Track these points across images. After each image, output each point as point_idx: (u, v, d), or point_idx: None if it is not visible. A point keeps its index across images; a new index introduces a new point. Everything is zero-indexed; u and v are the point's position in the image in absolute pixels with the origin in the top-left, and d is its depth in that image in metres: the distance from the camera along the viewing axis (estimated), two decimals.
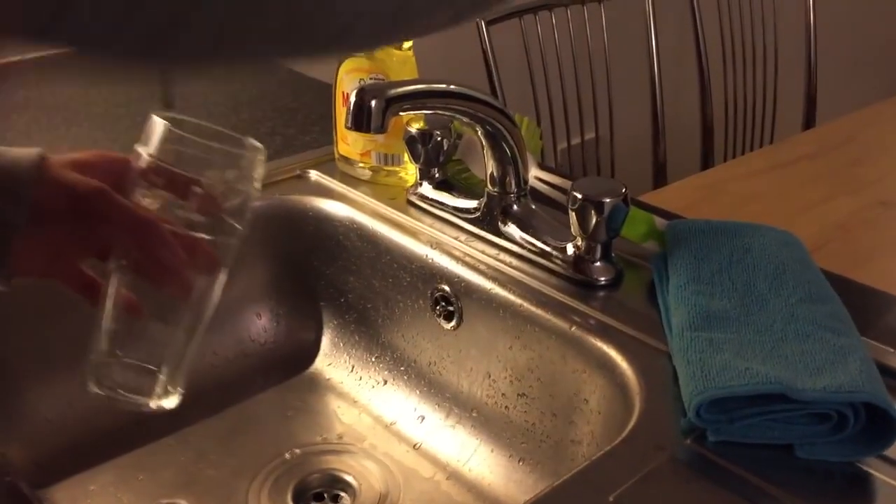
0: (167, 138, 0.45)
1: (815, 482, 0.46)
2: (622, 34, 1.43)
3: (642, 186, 1.31)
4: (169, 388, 0.48)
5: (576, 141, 1.47)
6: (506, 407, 0.65)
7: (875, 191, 1.12)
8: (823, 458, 0.47)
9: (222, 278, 0.48)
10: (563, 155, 1.38)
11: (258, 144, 0.47)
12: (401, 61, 0.74)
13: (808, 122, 1.59)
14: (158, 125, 0.45)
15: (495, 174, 0.67)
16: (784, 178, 1.14)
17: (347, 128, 0.53)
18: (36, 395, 0.67)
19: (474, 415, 0.68)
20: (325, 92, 0.87)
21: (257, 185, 0.47)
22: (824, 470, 0.47)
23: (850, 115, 1.30)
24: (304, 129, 0.95)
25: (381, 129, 0.52)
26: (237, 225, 0.47)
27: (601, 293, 0.63)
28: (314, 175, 0.81)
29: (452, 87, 0.58)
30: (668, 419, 0.51)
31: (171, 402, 0.48)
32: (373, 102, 0.52)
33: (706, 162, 1.50)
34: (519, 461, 0.64)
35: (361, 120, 0.52)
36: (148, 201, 0.45)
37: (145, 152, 0.45)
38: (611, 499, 0.44)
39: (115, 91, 1.07)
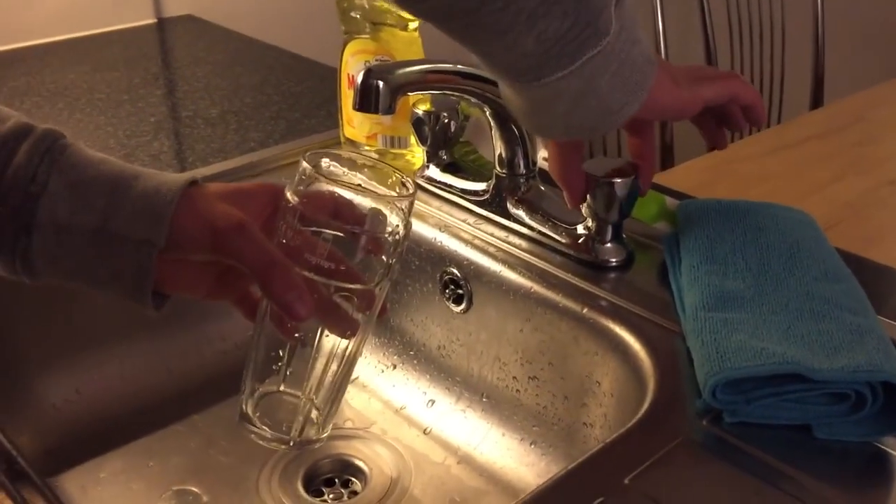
0: (314, 181, 0.44)
1: (832, 462, 0.46)
2: None
3: None
4: (316, 425, 0.47)
5: None
6: (517, 390, 0.65)
7: (885, 170, 1.11)
8: (842, 438, 0.47)
9: (369, 323, 0.47)
10: None
11: (410, 186, 0.45)
12: (407, 42, 0.73)
13: (816, 102, 1.57)
14: (306, 168, 0.44)
15: (504, 156, 0.66)
16: (793, 158, 1.13)
17: (355, 109, 0.52)
18: (44, 383, 0.67)
19: (485, 399, 0.67)
20: (330, 75, 0.87)
21: (406, 228, 0.45)
22: (842, 450, 0.47)
23: (859, 94, 1.29)
24: (308, 113, 0.94)
25: (390, 111, 0.52)
26: (385, 269, 0.45)
27: (612, 275, 0.62)
28: None
29: (460, 66, 0.57)
30: (683, 401, 0.50)
31: (317, 442, 0.47)
32: (380, 83, 0.51)
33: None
34: (531, 444, 0.64)
35: (369, 101, 0.51)
36: (291, 243, 0.43)
37: (291, 195, 0.44)
38: (626, 481, 0.44)
39: (117, 77, 1.07)
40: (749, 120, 0.59)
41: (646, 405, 0.50)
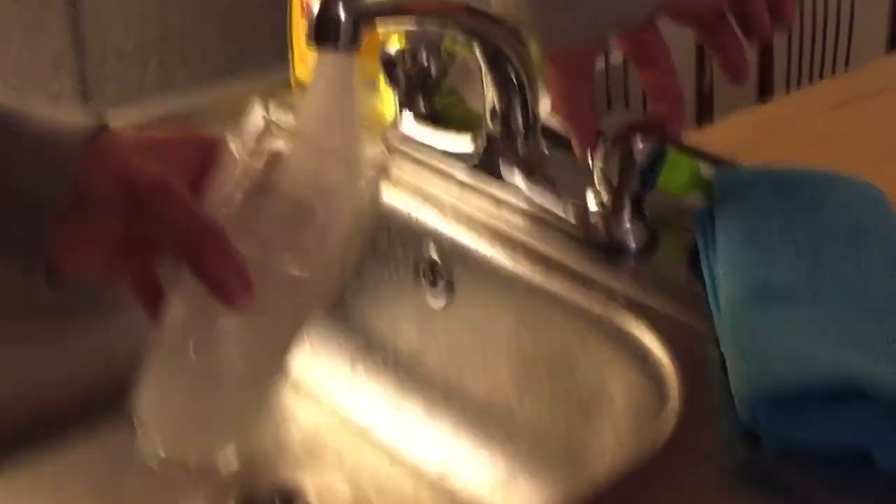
0: (267, 135, 0.44)
1: None
2: None
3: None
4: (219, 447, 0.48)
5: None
6: (508, 404, 0.66)
7: None
8: None
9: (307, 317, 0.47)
10: None
11: (378, 157, 0.47)
12: None
13: (894, 42, 1.60)
14: (258, 118, 0.45)
15: (497, 107, 0.68)
16: (864, 113, 1.14)
17: (310, 44, 0.53)
18: None
19: (468, 414, 0.69)
20: None
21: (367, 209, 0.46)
22: None
23: None
24: (252, 46, 0.95)
25: (353, 47, 0.52)
26: (335, 261, 0.46)
27: (631, 261, 0.64)
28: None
29: None
30: (715, 420, 0.51)
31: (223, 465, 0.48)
32: (341, 11, 0.52)
33: (763, 93, 1.52)
34: (525, 472, 0.65)
35: (327, 33, 0.52)
36: (231, 212, 0.44)
37: (238, 149, 0.44)
38: None
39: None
40: (775, 16, 0.58)
41: (669, 426, 0.51)
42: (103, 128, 0.45)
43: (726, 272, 0.58)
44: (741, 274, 0.57)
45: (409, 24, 0.63)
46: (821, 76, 1.61)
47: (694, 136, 1.04)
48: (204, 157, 0.46)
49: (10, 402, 0.71)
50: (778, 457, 0.49)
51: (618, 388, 0.59)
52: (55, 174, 0.43)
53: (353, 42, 0.52)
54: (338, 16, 0.52)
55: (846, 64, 1.64)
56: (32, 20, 1.00)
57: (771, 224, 0.60)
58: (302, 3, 0.77)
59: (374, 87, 0.77)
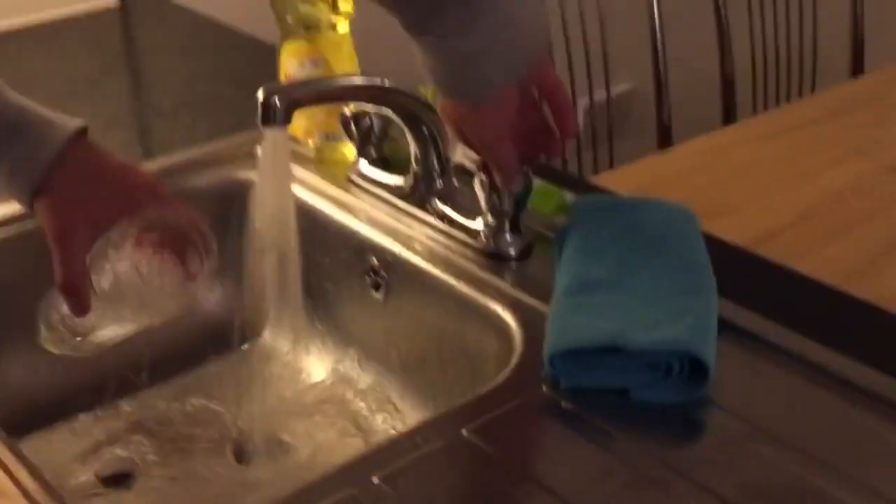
0: None
1: (647, 420, 0.71)
2: None
3: (648, 151, 1.53)
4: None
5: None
6: (419, 361, 0.93)
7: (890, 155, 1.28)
8: (655, 400, 0.72)
9: None
10: None
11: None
12: (337, 44, 1.00)
13: (856, 69, 1.76)
14: None
15: (418, 154, 0.93)
16: (793, 141, 1.31)
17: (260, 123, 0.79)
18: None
19: (391, 367, 0.95)
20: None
21: None
22: (658, 410, 0.72)
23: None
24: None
25: (287, 122, 0.78)
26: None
27: (512, 265, 0.88)
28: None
29: (356, 80, 0.83)
30: (537, 371, 0.76)
31: None
32: (277, 100, 0.77)
33: (728, 122, 1.69)
34: (416, 398, 0.93)
35: (269, 116, 0.78)
36: None
37: None
38: (463, 431, 0.70)
39: (78, 64, 1.35)
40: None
41: (510, 374, 0.76)
42: (83, 130, 0.76)
43: (562, 272, 0.82)
44: (568, 272, 0.81)
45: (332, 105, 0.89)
46: (788, 99, 1.77)
47: (650, 161, 1.26)
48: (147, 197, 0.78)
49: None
50: (568, 394, 0.73)
51: (487, 351, 0.84)
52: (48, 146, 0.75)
53: (287, 120, 0.78)
54: (274, 103, 0.77)
55: (812, 89, 1.80)
56: (98, 87, 1.29)
57: (599, 236, 0.84)
58: (286, 75, 1.03)
59: (337, 138, 1.03)
